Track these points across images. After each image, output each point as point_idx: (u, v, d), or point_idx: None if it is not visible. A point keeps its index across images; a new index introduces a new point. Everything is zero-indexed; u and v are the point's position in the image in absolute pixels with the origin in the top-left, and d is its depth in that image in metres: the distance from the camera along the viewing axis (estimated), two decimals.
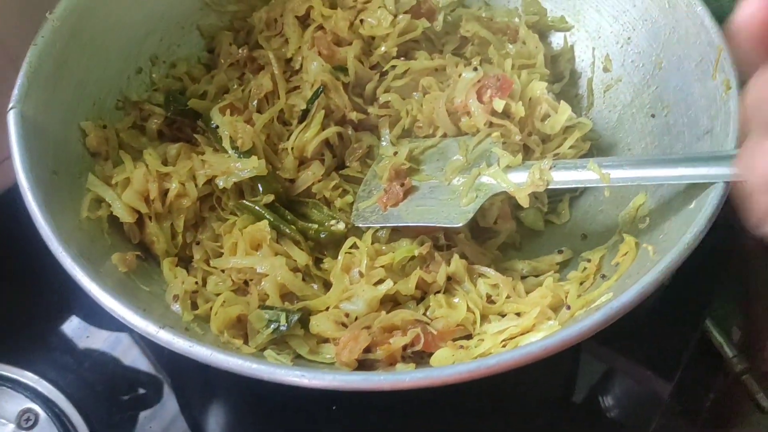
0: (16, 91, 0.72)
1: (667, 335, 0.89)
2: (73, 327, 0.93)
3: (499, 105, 0.81)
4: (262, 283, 0.72)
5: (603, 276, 0.74)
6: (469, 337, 0.72)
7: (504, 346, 0.68)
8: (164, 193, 0.78)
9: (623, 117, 0.88)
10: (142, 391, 0.88)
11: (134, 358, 0.90)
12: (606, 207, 0.84)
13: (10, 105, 0.71)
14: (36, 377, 0.87)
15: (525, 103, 0.82)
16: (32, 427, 0.83)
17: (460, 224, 0.76)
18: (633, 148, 0.85)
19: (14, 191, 0.91)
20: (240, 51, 0.93)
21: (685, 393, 0.87)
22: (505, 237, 0.84)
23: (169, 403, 0.87)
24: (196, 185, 0.79)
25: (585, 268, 0.77)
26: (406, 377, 0.55)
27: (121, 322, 0.60)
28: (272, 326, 0.68)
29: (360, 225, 0.81)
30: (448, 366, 0.56)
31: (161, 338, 0.58)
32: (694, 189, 0.68)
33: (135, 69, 0.89)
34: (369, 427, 0.85)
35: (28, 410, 0.84)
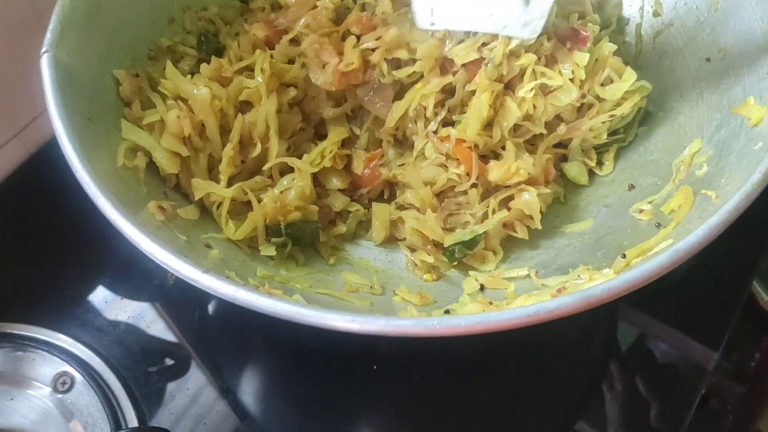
0: (48, 35, 0.69)
1: (711, 298, 0.86)
2: (100, 296, 0.92)
3: (581, 59, 0.78)
4: None
5: (658, 225, 0.71)
6: None
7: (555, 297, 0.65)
8: (200, 125, 0.77)
9: (674, 63, 0.84)
10: (170, 362, 0.87)
11: (160, 330, 0.89)
12: (657, 156, 0.80)
13: (43, 49, 0.68)
14: (71, 340, 0.87)
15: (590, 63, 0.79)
16: (68, 390, 0.82)
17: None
18: (686, 94, 0.81)
19: (41, 155, 0.90)
20: None
21: (732, 355, 0.84)
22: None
23: (197, 372, 0.86)
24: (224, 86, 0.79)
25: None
26: (461, 321, 0.52)
27: (165, 285, 0.58)
28: None
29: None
30: (507, 310, 0.53)
31: (205, 283, 0.56)
32: (758, 131, 0.64)
33: (167, 19, 0.87)
34: (410, 388, 0.83)
35: (64, 374, 0.83)
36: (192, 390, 0.84)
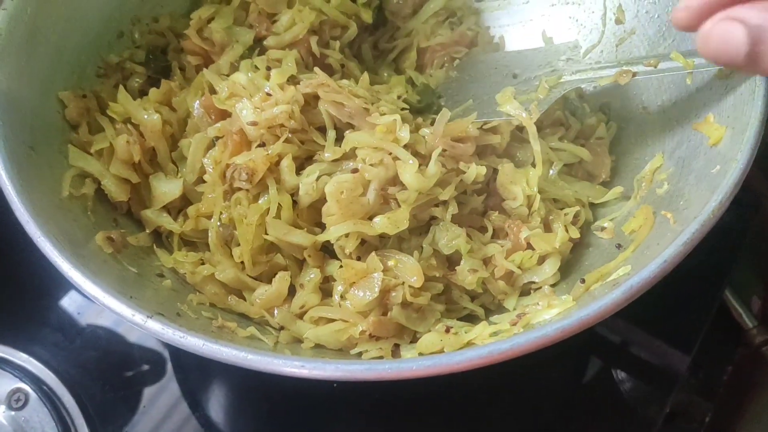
0: None
1: (684, 306, 0.85)
2: (75, 302, 0.90)
3: None
4: None
5: (618, 246, 0.70)
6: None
7: (514, 324, 0.64)
8: (150, 151, 0.75)
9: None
10: (146, 367, 0.86)
11: (138, 336, 0.87)
12: (621, 170, 0.80)
13: None
14: (26, 356, 0.85)
15: None
16: (22, 407, 0.81)
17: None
18: (649, 105, 0.80)
19: None
20: None
21: (703, 365, 0.83)
22: None
23: (171, 383, 0.85)
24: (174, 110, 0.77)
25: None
26: (412, 365, 0.51)
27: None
28: None
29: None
30: (458, 352, 0.52)
31: (150, 328, 0.54)
32: (717, 152, 0.63)
33: (116, 33, 0.84)
34: (371, 405, 0.83)
35: (18, 390, 0.82)
36: (149, 408, 0.83)
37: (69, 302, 0.90)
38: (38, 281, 0.90)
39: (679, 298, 0.86)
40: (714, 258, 0.87)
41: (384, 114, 0.71)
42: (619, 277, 0.61)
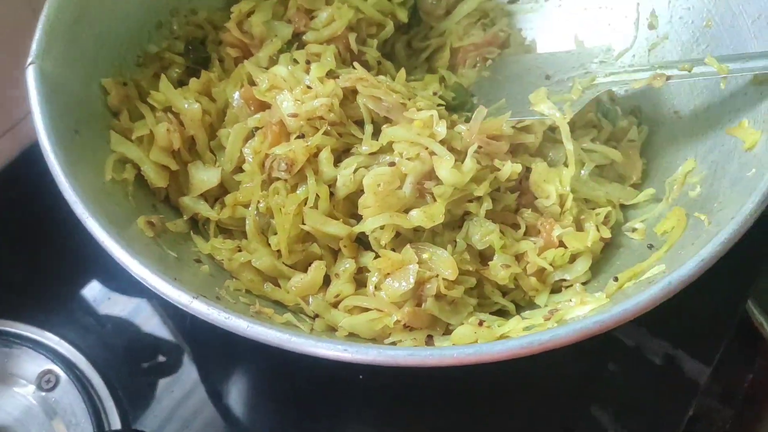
0: (34, 46, 0.68)
1: (706, 317, 0.86)
2: (93, 291, 0.91)
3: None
4: None
5: (650, 246, 0.71)
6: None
7: (547, 320, 0.65)
8: (189, 139, 0.77)
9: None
10: (162, 358, 0.87)
11: (154, 326, 0.88)
12: (652, 173, 0.81)
13: (29, 60, 0.67)
14: (57, 338, 0.86)
15: None
16: (53, 388, 0.82)
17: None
18: (681, 110, 0.81)
19: (33, 151, 0.88)
20: None
21: (724, 375, 0.84)
22: None
23: (190, 370, 0.85)
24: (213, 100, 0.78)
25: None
26: (453, 352, 0.52)
27: (151, 290, 0.57)
28: None
29: None
30: (499, 342, 0.53)
31: (195, 308, 0.55)
32: (752, 156, 0.64)
33: (155, 23, 0.85)
34: (394, 398, 0.83)
35: (49, 372, 0.83)
36: (177, 393, 0.84)
37: (98, 290, 0.91)
38: (69, 267, 0.92)
39: (701, 308, 0.86)
40: (736, 269, 0.87)
41: (421, 109, 0.73)
42: (654, 276, 0.62)
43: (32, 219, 0.93)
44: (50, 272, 0.92)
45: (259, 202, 0.72)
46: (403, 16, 0.90)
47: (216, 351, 0.86)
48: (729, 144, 0.69)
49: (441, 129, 0.71)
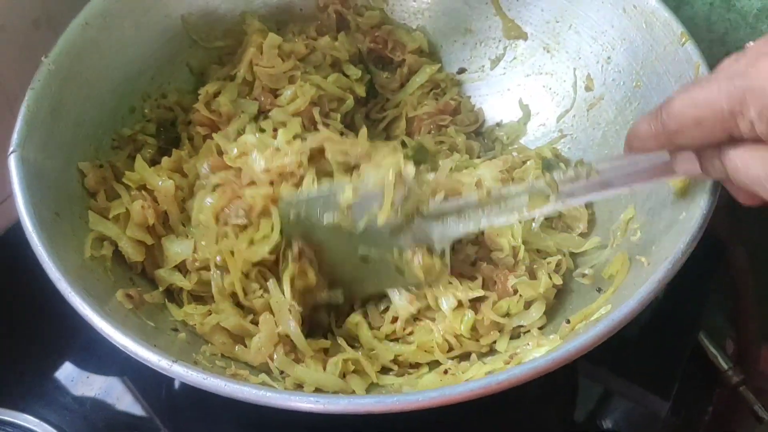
0: (15, 136, 0.72)
1: (661, 351, 0.91)
2: (66, 373, 0.92)
3: None
4: None
5: (599, 289, 0.76)
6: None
7: (507, 363, 0.69)
8: (163, 214, 0.81)
9: (607, 133, 0.90)
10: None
11: (128, 404, 0.89)
12: (599, 222, 0.87)
13: (11, 149, 0.72)
14: (36, 420, 0.86)
15: None
16: None
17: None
18: None
19: (9, 235, 0.92)
20: None
21: (683, 408, 0.88)
22: None
23: None
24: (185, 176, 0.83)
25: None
26: (418, 397, 0.56)
27: (133, 358, 0.61)
28: None
29: None
30: (460, 384, 0.57)
31: (175, 372, 0.59)
32: (683, 200, 0.70)
33: (128, 108, 0.90)
34: None
35: None
36: None
37: (80, 364, 0.92)
38: (47, 343, 0.93)
39: (655, 345, 0.92)
40: (686, 305, 0.94)
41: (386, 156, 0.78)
42: (601, 316, 0.67)
43: (3, 299, 0.95)
44: (25, 353, 0.93)
45: (216, 257, 0.76)
46: (360, 91, 0.97)
47: (193, 424, 0.88)
48: (663, 192, 0.75)
49: (410, 169, 0.75)
